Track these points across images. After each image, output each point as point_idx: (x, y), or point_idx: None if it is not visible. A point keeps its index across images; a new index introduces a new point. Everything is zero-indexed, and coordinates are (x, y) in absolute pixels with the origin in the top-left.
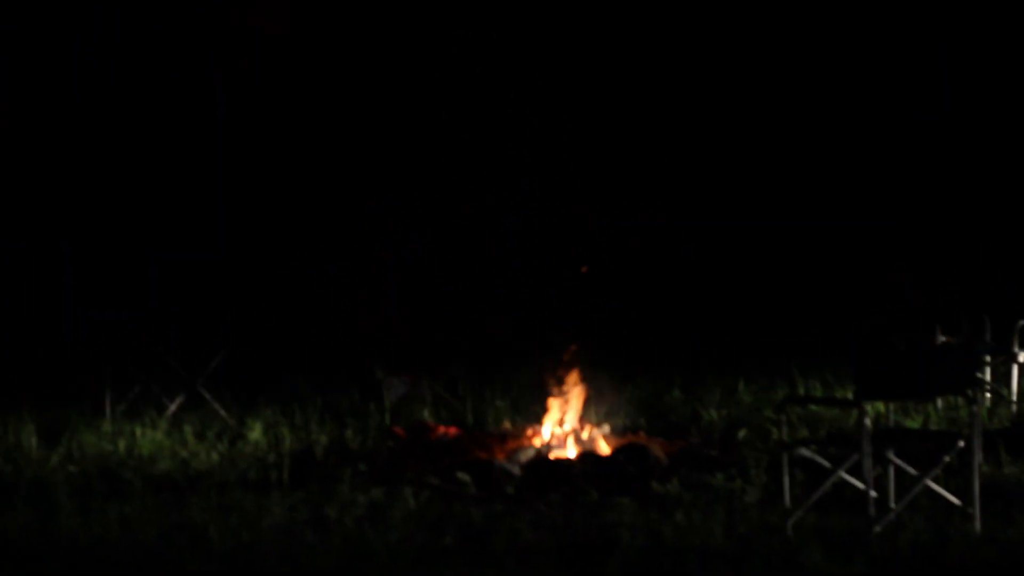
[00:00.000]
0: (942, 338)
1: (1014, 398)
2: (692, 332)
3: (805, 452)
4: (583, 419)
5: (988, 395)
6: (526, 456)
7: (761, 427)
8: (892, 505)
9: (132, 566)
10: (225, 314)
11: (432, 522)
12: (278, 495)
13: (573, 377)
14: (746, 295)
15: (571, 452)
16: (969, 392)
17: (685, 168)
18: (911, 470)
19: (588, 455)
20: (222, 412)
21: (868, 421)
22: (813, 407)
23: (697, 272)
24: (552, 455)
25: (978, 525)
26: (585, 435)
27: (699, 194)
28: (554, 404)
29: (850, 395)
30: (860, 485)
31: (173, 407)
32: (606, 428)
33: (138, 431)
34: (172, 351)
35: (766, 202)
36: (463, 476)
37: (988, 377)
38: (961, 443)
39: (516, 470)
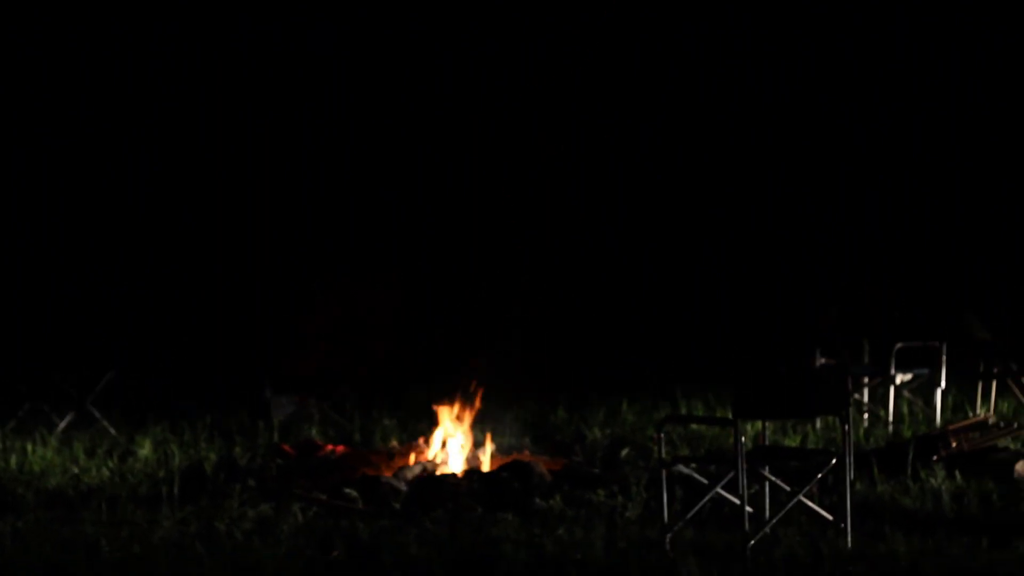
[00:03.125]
0: (822, 360)
1: (891, 419)
2: (578, 353)
3: (683, 469)
4: (470, 437)
5: (866, 416)
6: (412, 473)
7: (644, 446)
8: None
9: None
10: (114, 334)
11: (320, 536)
12: (168, 509)
13: (460, 396)
14: (631, 318)
15: (457, 469)
16: (842, 412)
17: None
18: (785, 487)
19: (473, 472)
20: (111, 430)
21: (744, 439)
22: (694, 426)
23: (586, 294)
24: (438, 472)
25: (850, 540)
26: (471, 453)
27: (592, 218)
28: (441, 423)
29: (728, 415)
30: (736, 501)
31: (63, 424)
32: (492, 446)
33: (29, 447)
34: (61, 370)
35: (655, 227)
36: (351, 492)
37: (866, 398)
38: (834, 461)
39: (403, 486)
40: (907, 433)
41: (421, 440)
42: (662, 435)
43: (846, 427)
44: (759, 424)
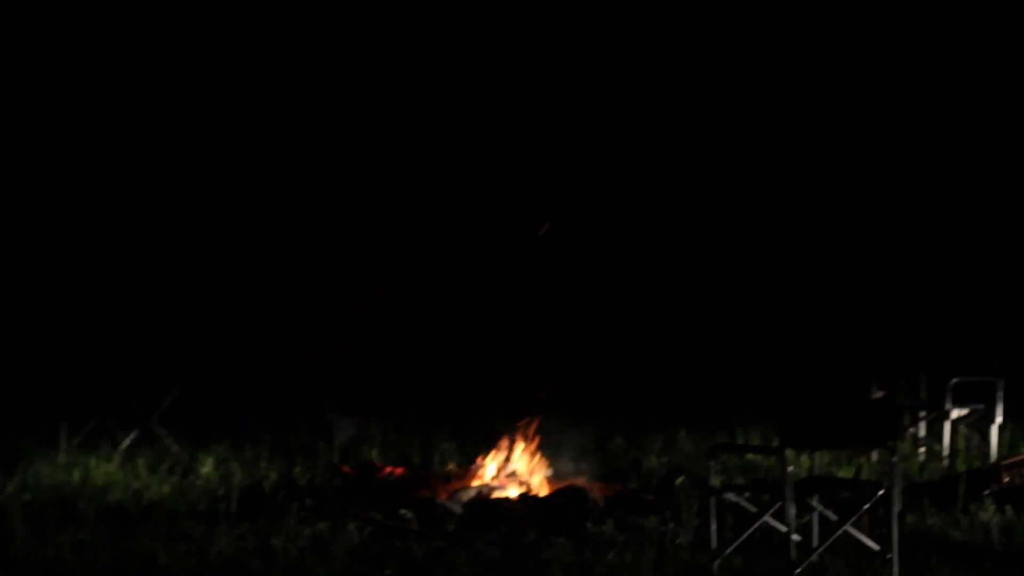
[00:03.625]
0: (879, 393)
1: (946, 453)
2: (637, 383)
3: (731, 496)
4: (527, 462)
5: (921, 450)
6: (468, 495)
7: (699, 475)
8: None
9: None
10: (180, 353)
11: (374, 556)
12: (226, 526)
13: (520, 422)
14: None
15: (512, 493)
16: (888, 444)
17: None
18: (833, 516)
19: (528, 496)
20: (174, 447)
21: (798, 469)
22: (749, 456)
23: (643, 326)
24: (493, 495)
25: (896, 571)
26: (527, 477)
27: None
28: (499, 447)
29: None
30: (784, 529)
31: (127, 442)
32: (549, 471)
33: (92, 463)
34: (127, 388)
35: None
36: (406, 513)
37: (922, 432)
38: (881, 492)
39: (458, 508)
40: (961, 467)
41: (478, 463)
42: (712, 463)
43: (893, 459)
44: (815, 456)
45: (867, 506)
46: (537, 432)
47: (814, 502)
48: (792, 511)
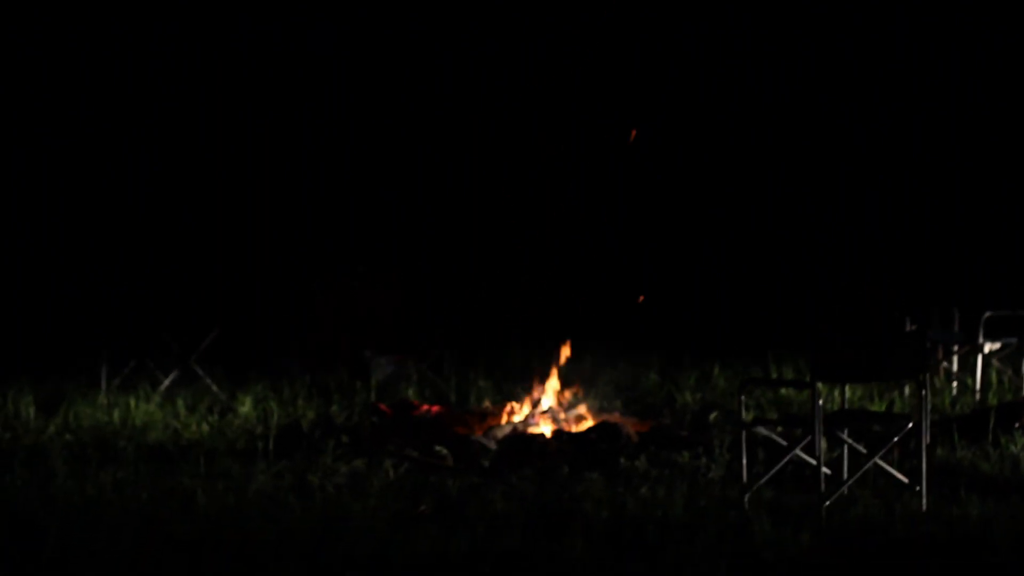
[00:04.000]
0: (911, 327)
1: (978, 387)
2: (672, 319)
3: (762, 430)
4: (561, 399)
5: (954, 384)
6: (502, 432)
7: (732, 411)
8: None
9: (124, 526)
10: (219, 293)
11: (409, 491)
12: (264, 464)
13: (555, 358)
14: (728, 286)
15: (546, 429)
16: (919, 377)
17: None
18: (862, 449)
19: (562, 432)
20: (214, 387)
21: (830, 403)
22: (783, 391)
23: (678, 264)
24: (528, 432)
25: (925, 503)
26: (562, 414)
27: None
28: (535, 384)
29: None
30: (814, 463)
31: (167, 382)
32: (583, 408)
33: (132, 403)
34: (167, 328)
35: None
36: (441, 449)
37: (955, 367)
38: (910, 425)
39: (492, 445)
40: (993, 401)
41: (513, 401)
42: (743, 398)
43: (923, 392)
44: (844, 389)
45: (896, 439)
46: (573, 369)
47: (844, 435)
48: (822, 444)
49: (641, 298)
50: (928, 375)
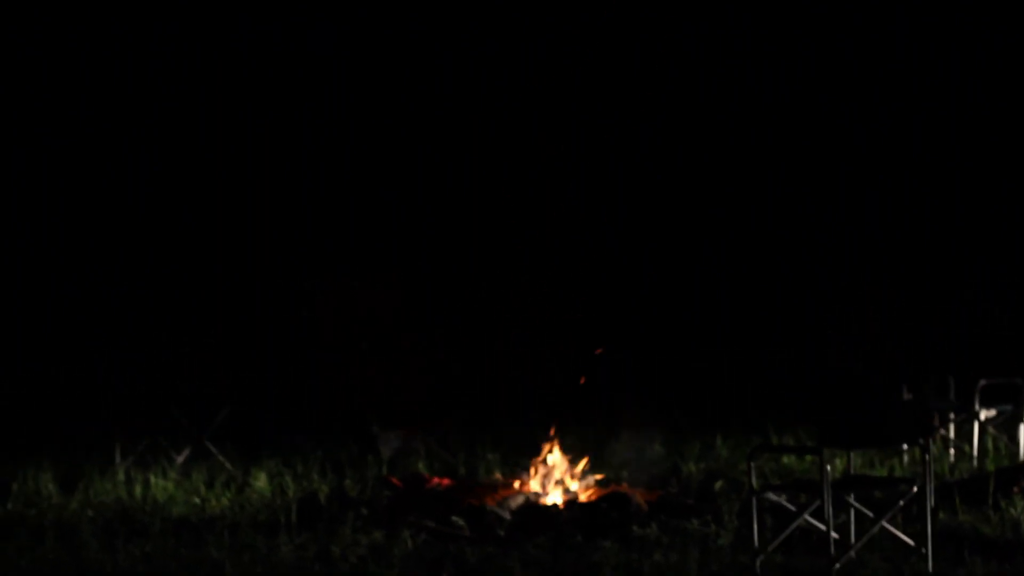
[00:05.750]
0: (908, 396)
1: (975, 453)
2: (673, 392)
3: (772, 497)
4: (570, 470)
5: (951, 451)
6: (516, 502)
7: (737, 479)
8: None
9: None
10: (229, 372)
11: (430, 561)
12: (286, 535)
13: (561, 432)
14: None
15: (558, 500)
16: (921, 442)
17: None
18: (869, 513)
19: (574, 502)
20: (227, 464)
21: (833, 470)
22: (785, 460)
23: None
24: (540, 502)
25: (931, 565)
26: (572, 485)
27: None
28: (543, 456)
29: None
30: (823, 527)
31: (181, 458)
32: (592, 479)
33: (152, 479)
34: (179, 406)
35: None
36: (458, 520)
37: (952, 434)
38: (915, 489)
39: (507, 515)
40: (990, 467)
41: (524, 473)
42: (752, 464)
43: (926, 456)
44: (849, 455)
45: (902, 502)
46: (579, 441)
47: (851, 500)
48: (830, 509)
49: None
50: (930, 441)
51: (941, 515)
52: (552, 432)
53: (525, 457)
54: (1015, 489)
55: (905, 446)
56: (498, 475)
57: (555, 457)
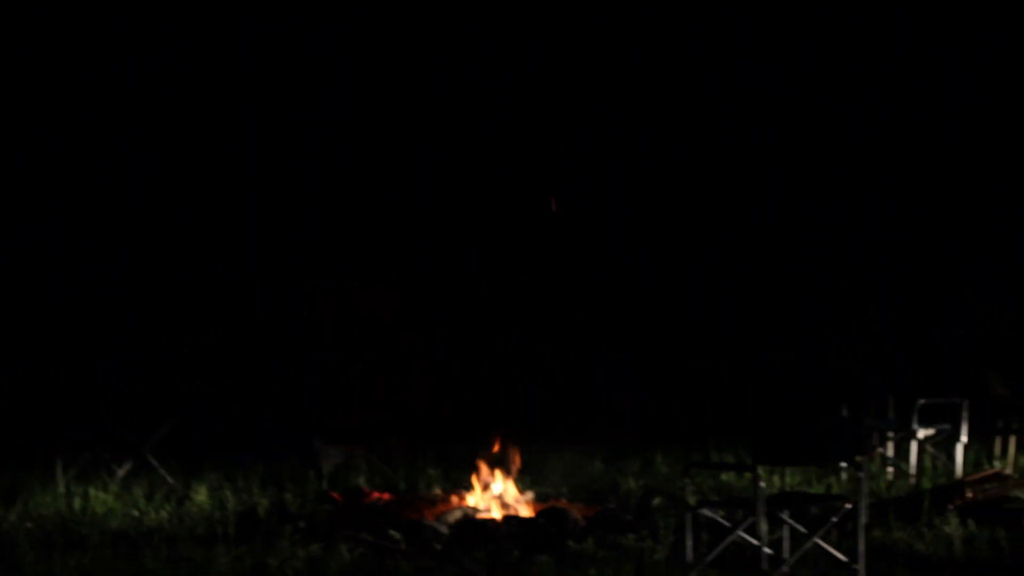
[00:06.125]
0: (845, 413)
1: (912, 472)
2: (614, 407)
3: (707, 512)
4: (509, 485)
5: (889, 469)
6: (454, 517)
7: (676, 495)
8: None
9: None
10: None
11: (366, 574)
12: (224, 548)
13: (501, 447)
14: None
15: (496, 514)
16: (855, 460)
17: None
18: (804, 530)
19: (512, 517)
20: (168, 478)
21: (770, 486)
22: (723, 476)
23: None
24: (479, 516)
25: None
26: (510, 500)
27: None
28: (482, 472)
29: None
30: (756, 543)
31: (122, 472)
32: (530, 494)
33: (92, 492)
34: (121, 421)
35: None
36: (395, 534)
37: (891, 452)
38: (848, 506)
39: (444, 529)
40: (927, 485)
41: (462, 488)
42: (688, 480)
43: (860, 474)
44: (784, 472)
45: (835, 519)
46: (519, 457)
47: (785, 516)
48: (764, 525)
49: (496, 447)
50: (864, 459)
51: (875, 532)
52: (495, 448)
53: (466, 473)
54: (950, 507)
55: (844, 464)
56: (438, 490)
57: (495, 472)
